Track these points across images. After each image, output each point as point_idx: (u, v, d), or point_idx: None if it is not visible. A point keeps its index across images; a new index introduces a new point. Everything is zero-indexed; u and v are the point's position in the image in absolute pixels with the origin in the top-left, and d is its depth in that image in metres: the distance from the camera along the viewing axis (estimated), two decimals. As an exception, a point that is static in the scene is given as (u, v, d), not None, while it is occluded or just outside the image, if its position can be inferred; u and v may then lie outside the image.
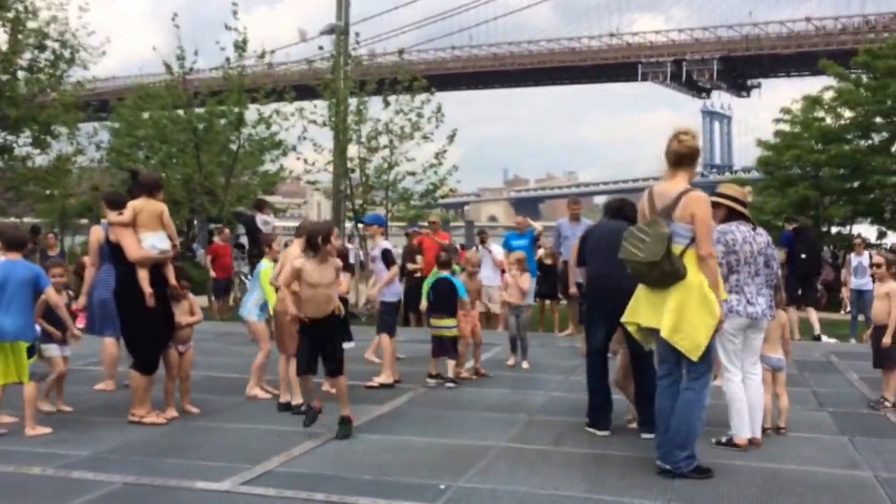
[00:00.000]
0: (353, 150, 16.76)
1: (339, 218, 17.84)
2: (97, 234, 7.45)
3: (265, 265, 7.41)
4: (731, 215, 5.92)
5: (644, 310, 5.20)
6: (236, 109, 16.47)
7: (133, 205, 6.24)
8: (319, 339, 5.98)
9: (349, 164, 16.75)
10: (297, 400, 6.80)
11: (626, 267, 5.17)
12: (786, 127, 25.18)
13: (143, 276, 6.15)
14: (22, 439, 5.92)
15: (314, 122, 16.48)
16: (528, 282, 9.34)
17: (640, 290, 5.25)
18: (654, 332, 5.21)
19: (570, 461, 5.48)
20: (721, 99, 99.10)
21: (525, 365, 9.42)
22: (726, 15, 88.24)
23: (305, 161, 17.00)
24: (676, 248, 4.98)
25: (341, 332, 7.33)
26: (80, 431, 6.19)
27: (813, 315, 13.00)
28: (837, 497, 4.79)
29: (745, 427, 5.80)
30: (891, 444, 6.06)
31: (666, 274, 4.96)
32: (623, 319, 5.40)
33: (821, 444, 6.11)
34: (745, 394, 5.84)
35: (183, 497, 4.74)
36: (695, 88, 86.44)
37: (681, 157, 5.17)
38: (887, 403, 7.26)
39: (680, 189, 5.09)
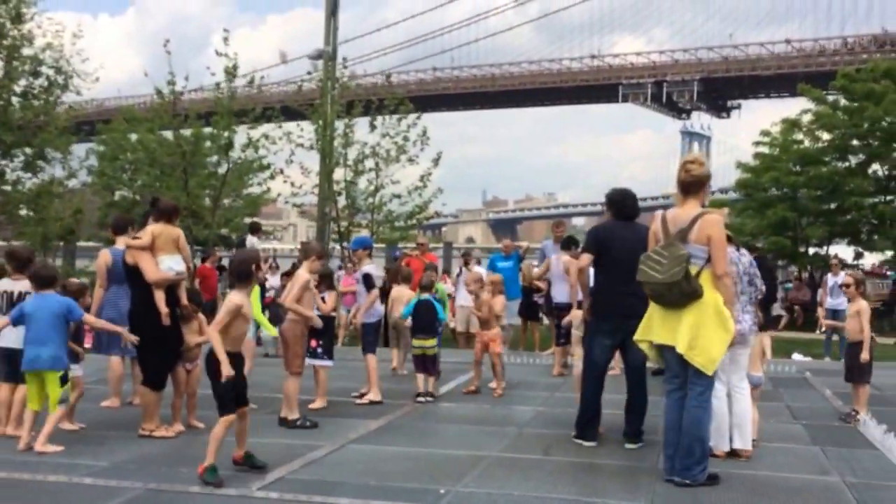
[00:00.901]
0: (339, 172, 17.18)
1: (324, 240, 18.19)
2: (105, 257, 7.80)
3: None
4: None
5: (657, 328, 5.52)
6: (226, 134, 16.83)
7: (151, 229, 6.62)
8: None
9: (336, 187, 17.14)
10: (294, 414, 7.19)
11: (645, 289, 5.49)
12: (765, 149, 25.87)
13: (160, 296, 6.52)
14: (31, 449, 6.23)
15: (301, 145, 16.91)
16: (500, 304, 9.42)
17: (653, 309, 5.56)
18: (665, 349, 5.53)
19: (560, 469, 5.85)
20: (701, 120, 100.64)
21: (499, 392, 9.11)
22: (707, 36, 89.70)
23: (293, 184, 17.41)
24: (693, 269, 5.33)
25: (326, 350, 7.73)
26: (95, 444, 6.49)
27: (767, 340, 13.47)
28: (808, 499, 5.19)
29: (724, 440, 6.12)
30: (859, 454, 6.47)
31: (684, 294, 5.29)
32: (636, 338, 5.71)
33: (794, 453, 6.51)
34: (736, 407, 6.17)
35: (203, 501, 5.09)
36: (675, 109, 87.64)
37: (687, 185, 5.55)
38: (858, 417, 7.69)
39: (694, 213, 5.44)
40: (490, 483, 5.42)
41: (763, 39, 75.25)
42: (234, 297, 5.56)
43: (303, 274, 7.20)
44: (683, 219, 5.47)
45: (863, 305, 7.76)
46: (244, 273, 5.63)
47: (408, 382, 9.39)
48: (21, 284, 6.91)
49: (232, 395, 5.50)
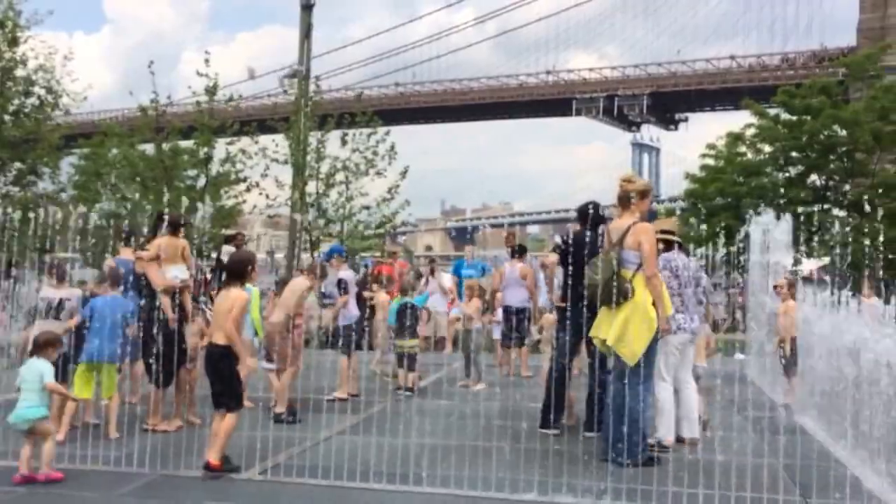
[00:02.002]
0: (311, 185, 17.83)
1: (296, 250, 18.74)
2: (110, 263, 8.36)
3: (252, 290, 8.44)
4: (669, 246, 7.12)
5: (604, 326, 6.32)
6: (205, 149, 17.41)
7: (157, 242, 7.25)
8: None
9: (308, 199, 17.78)
10: (280, 409, 7.86)
11: (588, 290, 6.34)
12: (711, 161, 27.15)
13: (167, 302, 7.12)
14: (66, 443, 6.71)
15: (276, 160, 17.54)
16: (474, 305, 10.28)
17: (602, 310, 6.35)
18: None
19: (527, 454, 6.53)
20: (651, 132, 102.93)
21: (481, 385, 10.21)
22: (656, 53, 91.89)
23: (267, 196, 18.04)
24: (627, 273, 6.17)
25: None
26: (102, 437, 7.02)
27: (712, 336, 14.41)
28: (745, 476, 5.79)
29: (671, 430, 6.81)
30: (793, 439, 7.27)
31: (614, 293, 6.08)
32: (590, 334, 6.51)
33: (737, 440, 7.27)
34: (683, 400, 6.88)
35: (213, 485, 5.72)
36: (626, 122, 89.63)
37: (620, 199, 6.45)
38: (790, 405, 8.56)
39: (628, 223, 6.31)
40: (463, 466, 6.04)
41: (709, 55, 77.53)
42: (241, 294, 5.97)
43: (301, 281, 7.90)
44: (620, 228, 6.33)
45: (791, 304, 8.65)
46: (239, 272, 6.10)
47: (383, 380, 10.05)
48: (61, 292, 7.57)
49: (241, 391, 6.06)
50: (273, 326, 7.94)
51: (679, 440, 6.88)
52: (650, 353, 6.25)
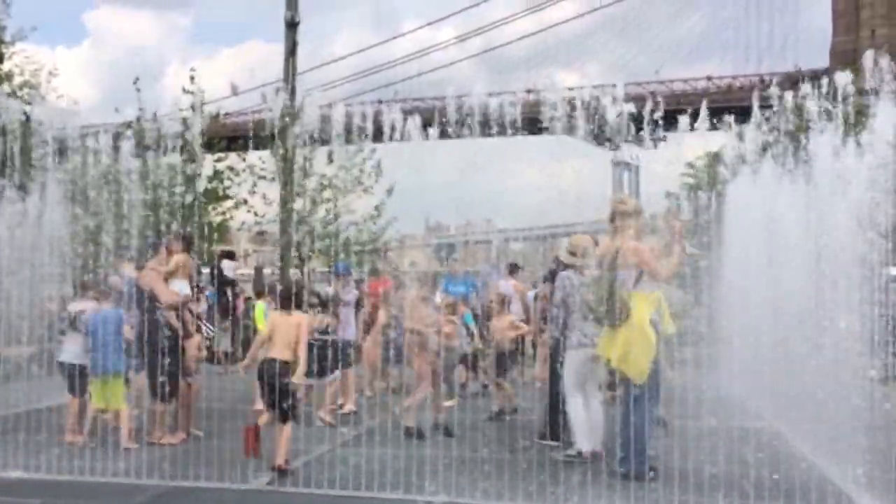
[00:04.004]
0: (299, 202, 17.95)
1: (285, 266, 18.85)
2: (114, 282, 8.48)
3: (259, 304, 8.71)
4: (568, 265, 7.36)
5: (608, 347, 6.48)
6: (192, 165, 17.46)
7: (177, 259, 7.53)
8: None
9: (295, 217, 17.90)
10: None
11: (585, 309, 6.60)
12: (691, 180, 27.68)
13: (172, 317, 7.27)
14: (74, 455, 6.85)
15: (264, 177, 17.67)
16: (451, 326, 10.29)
17: (605, 330, 6.52)
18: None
19: (528, 462, 6.74)
20: (631, 150, 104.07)
21: (452, 402, 9.65)
22: (635, 72, 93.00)
23: (255, 213, 18.16)
24: (622, 293, 6.36)
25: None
26: (110, 449, 7.12)
27: None
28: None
29: (587, 441, 6.91)
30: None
31: (613, 312, 6.31)
32: (597, 352, 6.67)
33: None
34: (592, 413, 6.98)
35: (220, 496, 5.89)
36: (605, 140, 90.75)
37: (612, 217, 6.66)
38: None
39: (618, 244, 6.50)
40: (467, 474, 6.26)
41: (687, 76, 78.68)
42: (302, 317, 6.65)
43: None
44: (611, 248, 6.54)
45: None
46: (292, 296, 6.68)
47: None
48: (82, 304, 7.90)
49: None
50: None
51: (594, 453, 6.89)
52: (658, 369, 6.41)
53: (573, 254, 7.39)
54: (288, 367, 6.42)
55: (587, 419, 6.98)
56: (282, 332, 6.51)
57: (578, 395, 7.01)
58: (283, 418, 6.37)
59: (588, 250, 7.34)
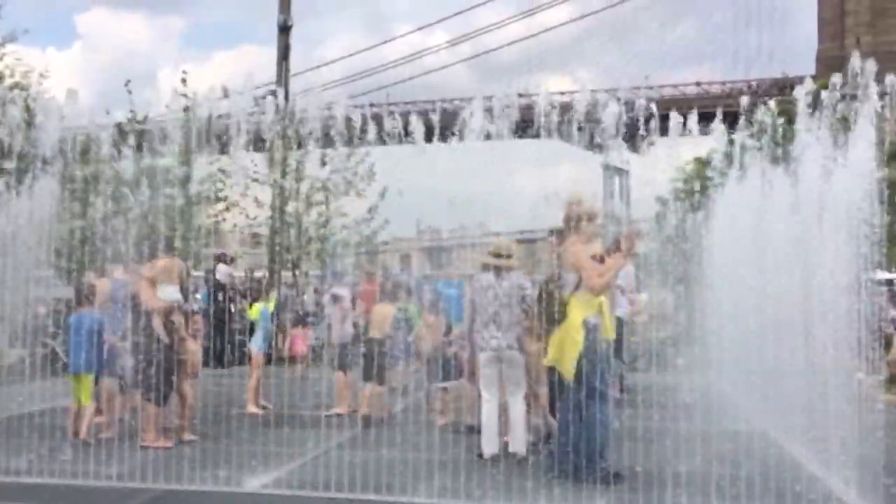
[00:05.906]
0: (291, 205, 17.98)
1: (275, 269, 18.84)
2: (104, 286, 8.48)
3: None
4: (486, 266, 7.34)
5: (549, 348, 6.61)
6: (185, 168, 17.43)
7: (161, 264, 7.48)
8: None
9: (288, 219, 17.92)
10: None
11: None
12: (681, 185, 27.80)
13: (158, 323, 7.31)
14: (65, 460, 6.84)
15: (256, 180, 17.65)
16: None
17: (553, 331, 6.60)
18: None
19: (519, 463, 6.81)
20: (621, 154, 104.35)
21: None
22: (626, 77, 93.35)
23: (247, 216, 18.15)
24: (565, 294, 6.44)
25: None
26: (104, 453, 7.04)
27: None
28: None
29: (489, 444, 6.95)
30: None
31: (548, 313, 6.50)
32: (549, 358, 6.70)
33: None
34: (512, 414, 7.02)
35: (215, 499, 5.90)
36: (595, 145, 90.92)
37: (566, 221, 6.71)
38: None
39: (564, 247, 6.61)
40: (459, 475, 6.22)
41: (676, 81, 79.13)
42: (391, 308, 8.87)
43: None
44: (558, 250, 6.69)
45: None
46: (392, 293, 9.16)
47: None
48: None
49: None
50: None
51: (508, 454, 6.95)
52: (595, 370, 6.27)
53: (498, 255, 7.29)
54: (382, 341, 8.66)
55: (496, 423, 7.02)
56: (377, 318, 8.80)
57: (489, 397, 7.07)
58: (381, 381, 8.62)
59: (512, 250, 7.42)
